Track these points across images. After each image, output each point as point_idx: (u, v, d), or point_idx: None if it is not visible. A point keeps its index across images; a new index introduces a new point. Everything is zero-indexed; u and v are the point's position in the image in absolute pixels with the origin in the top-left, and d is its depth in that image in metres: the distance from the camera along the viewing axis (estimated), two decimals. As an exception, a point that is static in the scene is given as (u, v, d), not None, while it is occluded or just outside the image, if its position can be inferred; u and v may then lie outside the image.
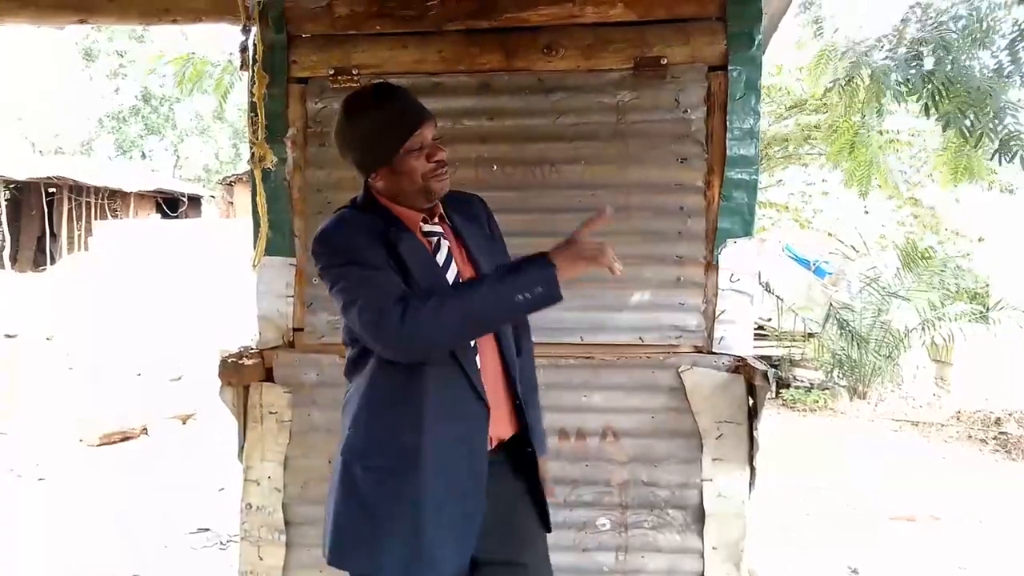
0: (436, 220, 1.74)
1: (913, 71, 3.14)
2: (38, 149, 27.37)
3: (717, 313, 2.52)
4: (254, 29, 2.08)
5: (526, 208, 2.54)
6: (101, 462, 5.87)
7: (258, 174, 2.13)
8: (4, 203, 20.03)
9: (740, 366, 2.47)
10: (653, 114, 2.53)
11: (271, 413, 2.64)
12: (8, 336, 11.28)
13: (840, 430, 7.06)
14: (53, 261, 19.49)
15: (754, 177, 2.52)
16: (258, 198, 2.22)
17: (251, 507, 2.66)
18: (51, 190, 20.60)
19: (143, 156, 29.59)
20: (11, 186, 20.23)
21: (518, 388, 1.77)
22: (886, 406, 7.87)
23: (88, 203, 21.13)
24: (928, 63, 3.22)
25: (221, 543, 4.19)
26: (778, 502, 4.68)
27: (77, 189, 20.73)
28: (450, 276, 1.68)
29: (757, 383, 2.33)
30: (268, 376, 2.64)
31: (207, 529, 4.36)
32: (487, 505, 1.67)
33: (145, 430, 6.75)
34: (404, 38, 2.57)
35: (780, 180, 8.68)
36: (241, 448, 2.66)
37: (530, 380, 1.92)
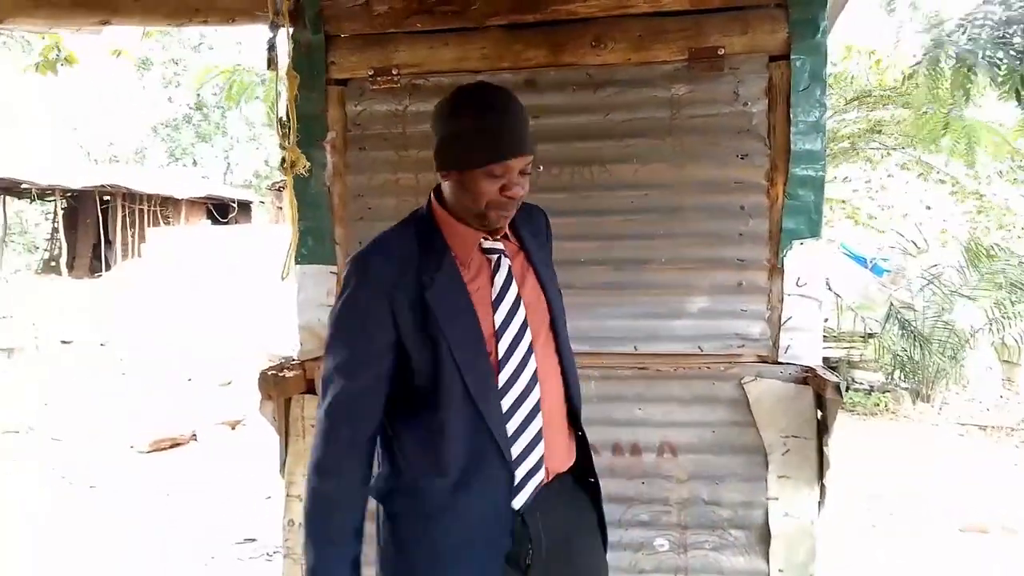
0: (499, 237, 1.58)
1: (1002, 54, 2.90)
2: (93, 158, 28.09)
3: (782, 320, 2.35)
4: (282, 28, 1.98)
5: (574, 211, 2.40)
6: (150, 469, 5.90)
7: (289, 180, 2.03)
8: (61, 211, 20.56)
9: (808, 377, 2.30)
10: (710, 108, 2.38)
11: (313, 426, 2.54)
12: (64, 342, 11.53)
13: (903, 434, 6.77)
14: (108, 267, 19.95)
15: (821, 173, 2.35)
16: (289, 205, 2.12)
17: (293, 523, 2.58)
18: (106, 198, 21.10)
19: (194, 163, 30.18)
20: (68, 195, 20.75)
21: (580, 418, 1.66)
22: (951, 409, 7.55)
23: (141, 210, 21.60)
24: (1020, 44, 2.98)
25: (267, 554, 4.14)
26: (839, 512, 4.46)
27: (130, 196, 21.20)
28: (503, 310, 1.52)
29: (828, 396, 2.15)
30: (310, 388, 2.55)
31: (253, 539, 4.32)
32: (545, 537, 1.55)
33: (194, 436, 6.79)
34: (445, 35, 2.46)
35: (846, 177, 8.35)
36: (283, 463, 2.58)
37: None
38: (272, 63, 1.99)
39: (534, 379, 1.51)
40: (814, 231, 2.34)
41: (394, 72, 2.47)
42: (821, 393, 2.23)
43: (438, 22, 2.45)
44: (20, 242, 23.29)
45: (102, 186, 20.25)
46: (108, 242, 21.24)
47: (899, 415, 7.44)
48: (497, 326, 1.50)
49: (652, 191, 2.41)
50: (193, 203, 23.22)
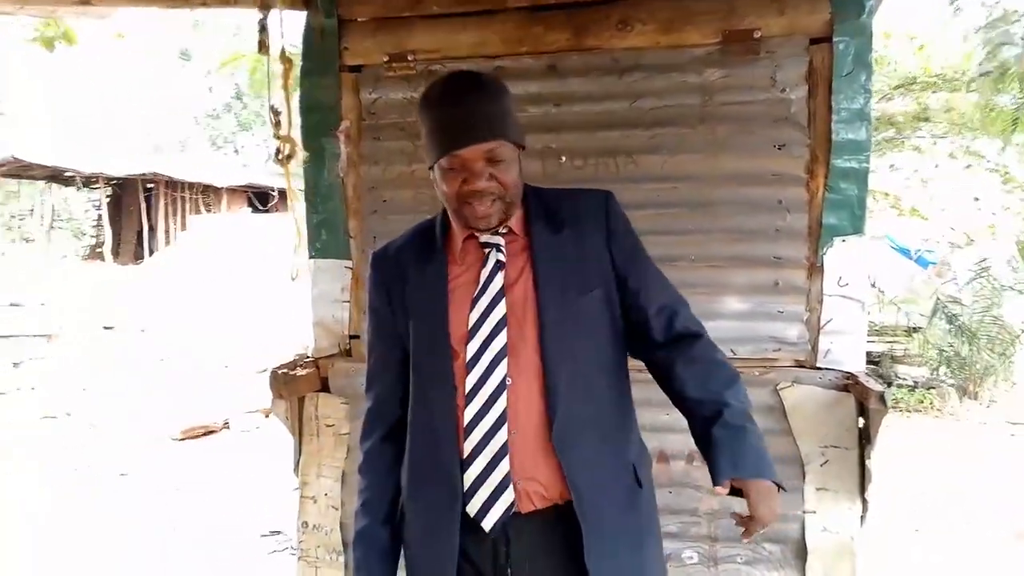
0: (502, 230, 1.45)
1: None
2: (137, 147, 28.54)
3: (822, 323, 2.20)
4: (275, 9, 1.88)
5: (599, 204, 2.27)
6: (182, 457, 5.91)
7: (286, 172, 1.93)
8: (106, 199, 20.92)
9: (850, 384, 2.15)
10: (745, 95, 2.23)
11: (328, 426, 2.47)
12: (106, 328, 11.71)
13: (949, 433, 6.51)
14: (151, 255, 20.25)
15: (865, 165, 2.19)
16: (289, 199, 2.02)
17: (307, 525, 2.51)
18: (149, 186, 21.39)
19: (235, 151, 30.46)
20: (112, 183, 21.10)
21: (553, 442, 1.37)
22: (1000, 407, 7.27)
23: (183, 198, 21.87)
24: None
25: (292, 547, 4.08)
26: (881, 514, 4.27)
27: (172, 185, 21.48)
28: (480, 307, 1.40)
29: (871, 406, 2.00)
30: (324, 386, 2.47)
31: (279, 532, 4.28)
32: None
33: (227, 424, 6.80)
34: (463, 19, 2.35)
35: (892, 165, 8.04)
36: (297, 463, 2.51)
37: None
38: (263, 46, 1.89)
39: (502, 385, 1.37)
40: (857, 227, 2.19)
41: (410, 58, 2.36)
42: (864, 402, 2.08)
43: (456, 5, 2.34)
44: (68, 228, 23.75)
45: (145, 174, 20.54)
46: (152, 229, 21.57)
47: (944, 412, 7.18)
48: (470, 324, 1.39)
49: (682, 184, 2.27)
50: (234, 191, 23.43)
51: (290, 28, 2.38)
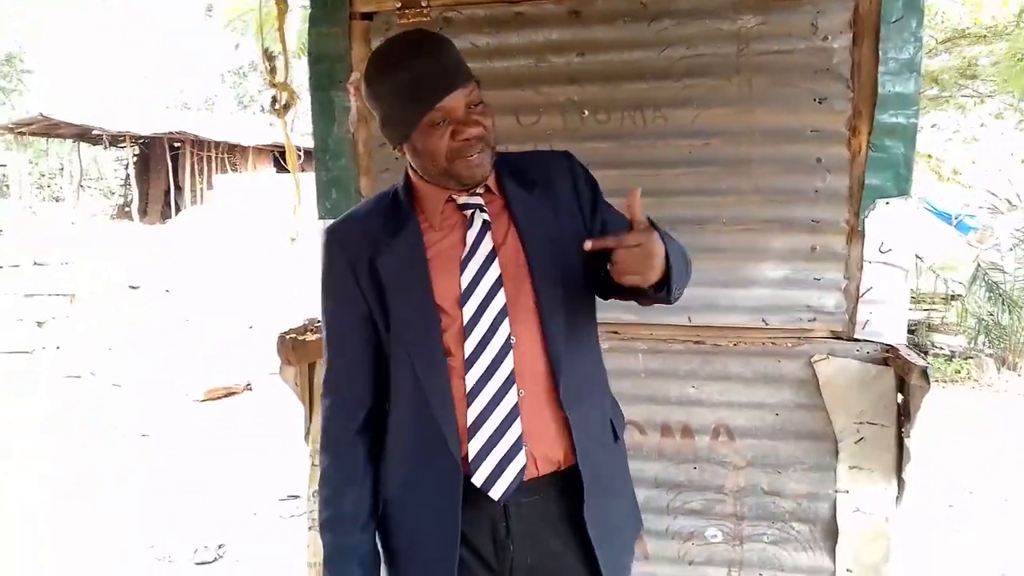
0: (480, 191, 1.37)
1: None
2: (164, 105, 28.57)
3: (862, 291, 2.05)
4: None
5: (622, 162, 2.13)
6: (203, 418, 5.91)
7: (283, 123, 1.80)
8: (133, 158, 21.00)
9: (889, 357, 2.00)
10: (784, 43, 2.05)
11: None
12: (132, 287, 11.77)
13: (986, 404, 6.32)
14: (178, 214, 20.34)
15: (913, 121, 2.02)
16: (288, 156, 1.90)
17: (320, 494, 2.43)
18: (176, 145, 21.41)
19: (262, 110, 30.39)
20: (139, 141, 21.15)
21: (561, 399, 1.33)
22: (1040, 379, 7.04)
23: (209, 157, 21.87)
24: None
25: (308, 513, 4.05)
26: (915, 489, 4.13)
27: (199, 144, 21.47)
28: (471, 269, 1.32)
29: (912, 382, 1.86)
30: (335, 352, 2.37)
31: (297, 496, 4.24)
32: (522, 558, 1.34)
33: (249, 386, 6.80)
34: (481, -40, 2.18)
35: (934, 124, 7.70)
36: (307, 431, 2.42)
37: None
38: (253, -15, 1.75)
39: (507, 346, 1.31)
40: (902, 189, 2.02)
41: (424, 4, 2.22)
42: (904, 377, 1.94)
43: (473, -53, 2.17)
44: (97, 188, 23.94)
45: (171, 133, 20.55)
46: (179, 188, 21.64)
47: (982, 383, 6.98)
48: (463, 287, 1.31)
49: (714, 139, 2.12)
50: (260, 150, 23.38)
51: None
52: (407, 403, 1.35)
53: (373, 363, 1.39)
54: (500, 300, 1.31)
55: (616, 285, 1.22)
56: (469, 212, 1.35)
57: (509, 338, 1.31)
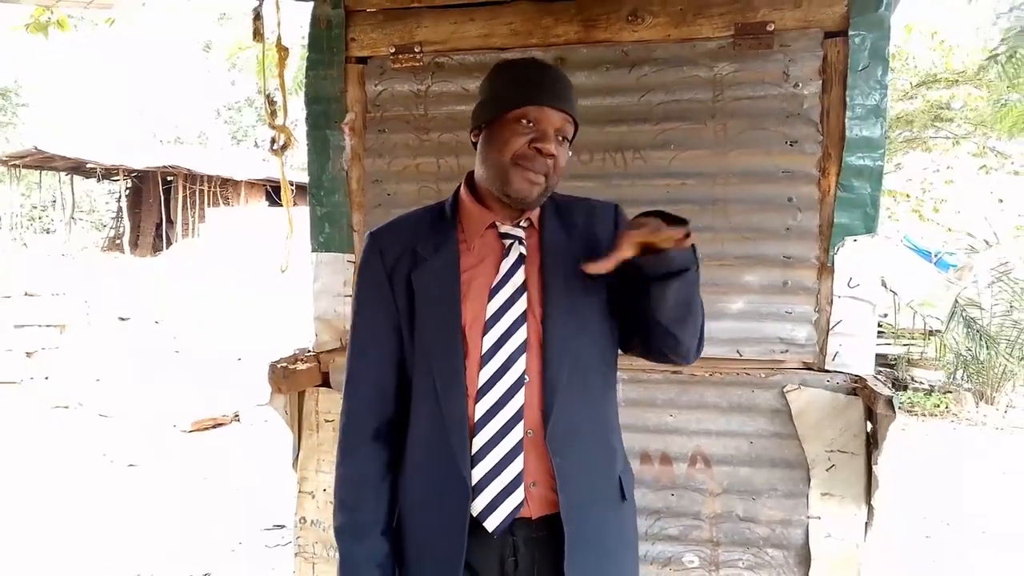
0: (523, 223, 1.40)
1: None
2: (158, 139, 28.72)
3: (831, 324, 2.14)
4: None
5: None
6: (190, 449, 5.92)
7: (281, 163, 1.89)
8: (126, 191, 21.06)
9: (858, 387, 2.09)
10: (757, 89, 2.17)
11: (327, 421, 2.45)
12: (121, 319, 11.76)
13: (964, 438, 6.41)
14: (169, 247, 20.36)
15: (879, 163, 2.13)
16: (283, 191, 1.99)
17: (305, 521, 2.49)
18: (168, 178, 21.50)
19: (255, 145, 30.58)
20: (132, 175, 21.23)
21: (547, 440, 1.33)
22: (1017, 413, 7.15)
23: (202, 191, 21.96)
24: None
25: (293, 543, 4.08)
26: (891, 520, 4.20)
27: (191, 177, 21.56)
28: (500, 298, 1.35)
29: (879, 411, 1.94)
30: (325, 381, 2.44)
31: (282, 526, 4.27)
32: None
33: (237, 416, 6.81)
34: (471, 10, 2.30)
35: (899, 164, 7.92)
36: (295, 458, 2.48)
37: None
38: (258, 34, 1.85)
39: (520, 382, 1.32)
40: (869, 227, 2.13)
41: (416, 49, 2.32)
42: (872, 406, 2.02)
43: (464, -5, 2.29)
44: (89, 220, 23.96)
45: (164, 167, 20.65)
46: (171, 221, 21.68)
47: (961, 417, 7.08)
48: (488, 315, 1.34)
49: (691, 180, 2.22)
50: (252, 184, 23.49)
51: (295, 18, 2.34)
52: (426, 415, 1.36)
53: (396, 374, 1.41)
54: (521, 335, 1.33)
55: (637, 321, 1.33)
56: (508, 242, 1.38)
57: (523, 375, 1.32)
